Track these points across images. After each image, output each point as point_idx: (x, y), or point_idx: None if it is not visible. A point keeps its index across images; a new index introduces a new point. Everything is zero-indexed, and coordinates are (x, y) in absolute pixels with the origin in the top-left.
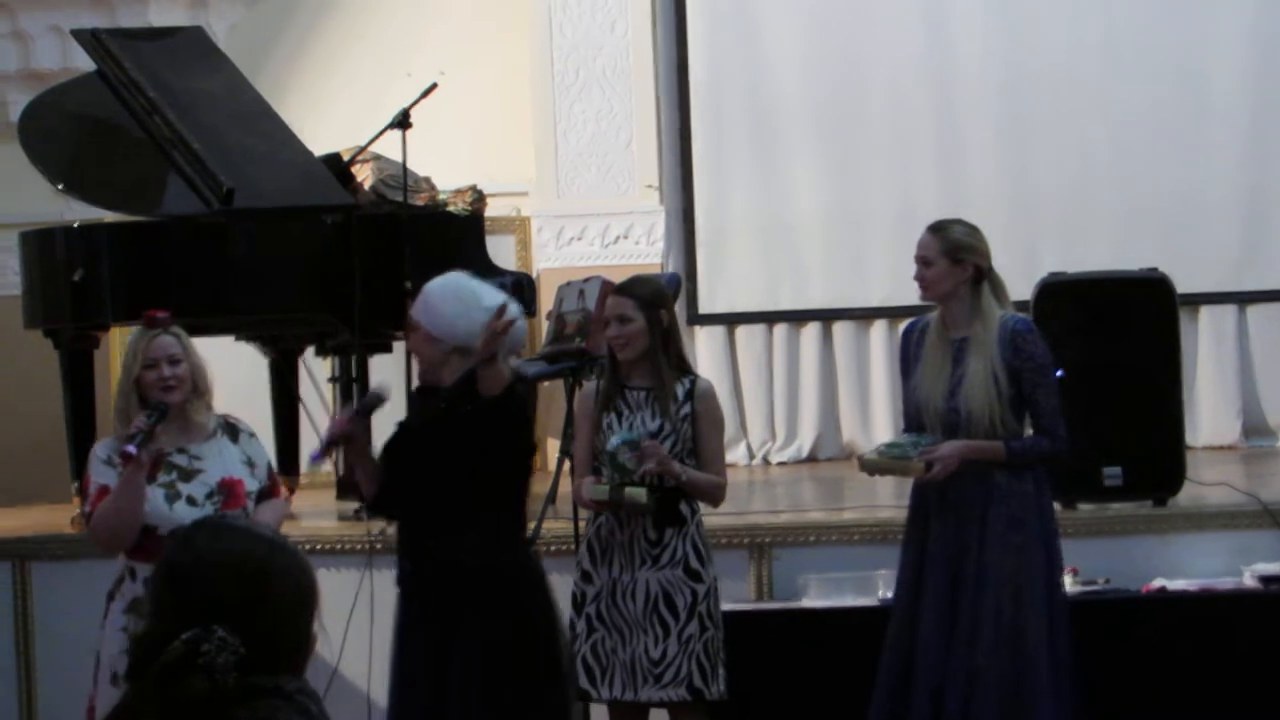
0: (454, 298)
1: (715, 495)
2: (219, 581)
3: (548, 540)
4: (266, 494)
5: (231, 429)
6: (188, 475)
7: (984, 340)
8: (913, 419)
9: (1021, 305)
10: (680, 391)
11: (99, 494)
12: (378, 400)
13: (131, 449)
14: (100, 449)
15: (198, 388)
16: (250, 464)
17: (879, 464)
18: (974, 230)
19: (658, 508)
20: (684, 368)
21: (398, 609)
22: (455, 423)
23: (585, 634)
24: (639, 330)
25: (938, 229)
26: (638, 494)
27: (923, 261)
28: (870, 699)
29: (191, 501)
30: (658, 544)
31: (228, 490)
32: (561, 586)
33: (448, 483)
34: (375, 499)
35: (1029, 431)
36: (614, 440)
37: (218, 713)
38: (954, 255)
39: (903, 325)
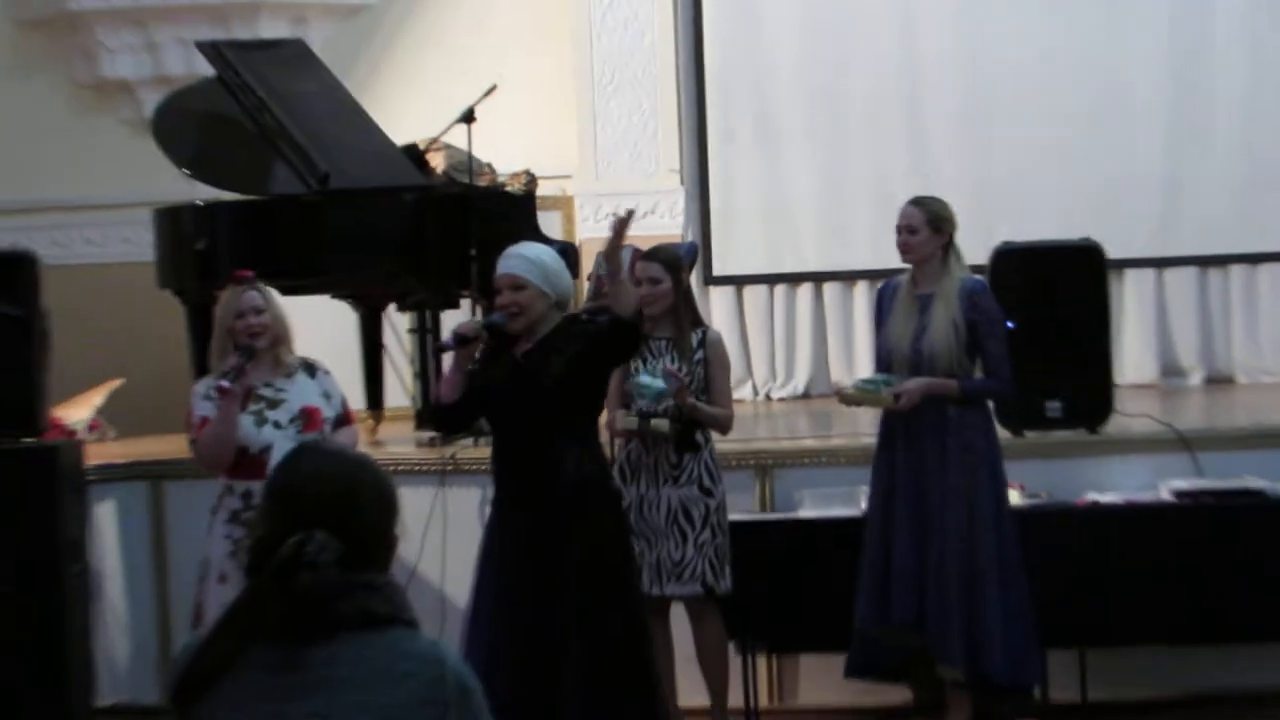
0: (555, 261)
1: (724, 425)
2: (317, 495)
3: None
4: (341, 421)
5: (310, 368)
6: (273, 404)
7: (948, 296)
8: (883, 361)
9: (978, 269)
10: (695, 340)
11: (200, 424)
12: (500, 324)
13: (225, 383)
14: (200, 386)
15: (279, 333)
16: (327, 396)
17: (855, 396)
18: (946, 204)
19: (677, 436)
20: (697, 321)
21: (495, 520)
22: (586, 342)
23: None
24: (666, 290)
25: (920, 202)
26: (661, 424)
27: (909, 230)
28: (857, 593)
29: (276, 425)
30: (678, 466)
31: (307, 416)
32: None
33: (560, 400)
34: (453, 405)
35: (979, 374)
36: (643, 377)
37: (322, 602)
38: (935, 224)
39: (879, 284)
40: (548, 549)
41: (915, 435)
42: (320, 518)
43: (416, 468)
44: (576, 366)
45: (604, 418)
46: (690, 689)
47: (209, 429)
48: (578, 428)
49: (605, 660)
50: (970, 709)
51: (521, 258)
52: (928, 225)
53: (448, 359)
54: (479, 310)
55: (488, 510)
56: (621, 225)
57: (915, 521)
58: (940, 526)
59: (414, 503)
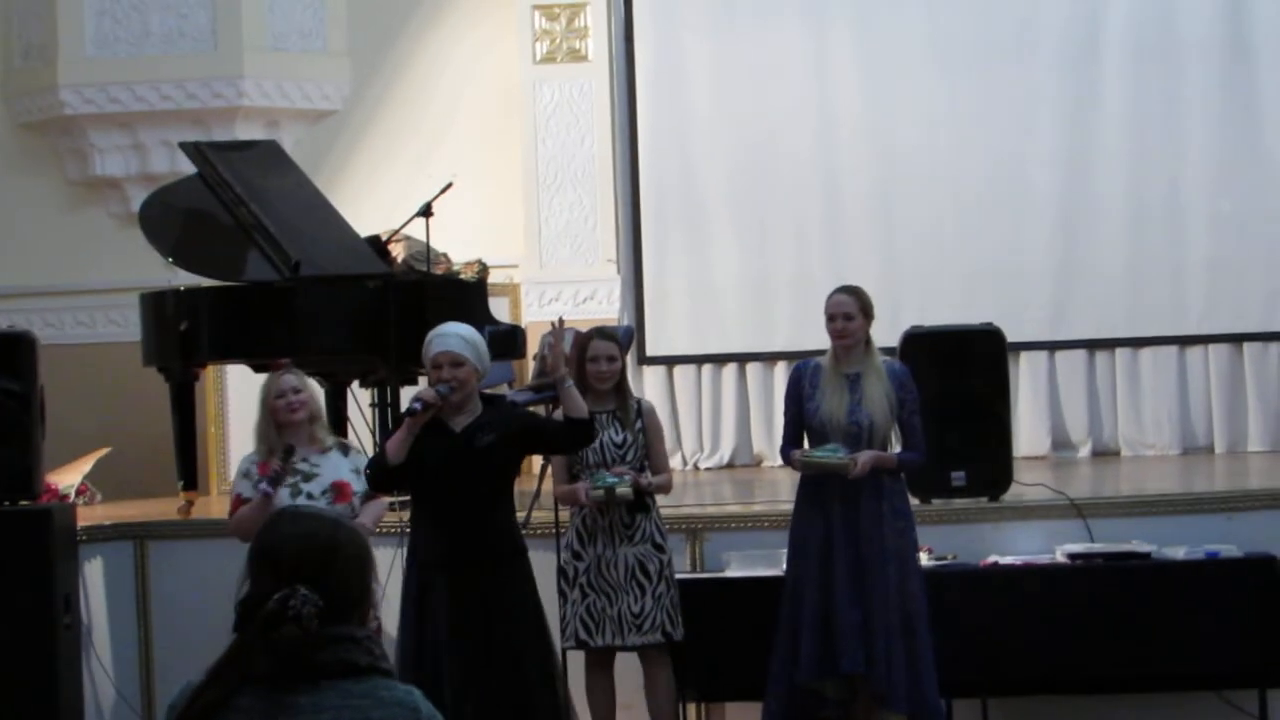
0: (481, 341)
1: (667, 488)
2: (298, 553)
3: (534, 527)
4: (369, 496)
5: (345, 448)
6: (308, 477)
7: (879, 373)
8: (816, 434)
9: (888, 350)
10: (632, 410)
11: (235, 501)
12: (446, 395)
13: (267, 488)
14: (242, 464)
15: (314, 411)
16: (357, 472)
17: (814, 464)
18: (867, 292)
19: (635, 500)
20: (630, 393)
21: (419, 578)
22: (524, 428)
23: (580, 599)
24: (620, 368)
25: (853, 291)
26: (626, 492)
27: (845, 316)
28: (775, 648)
29: (309, 497)
30: (630, 526)
31: (337, 490)
32: (539, 561)
33: (494, 475)
34: (399, 467)
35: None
36: (606, 478)
37: (305, 652)
38: (866, 311)
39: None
40: (477, 603)
41: (851, 499)
42: (301, 574)
43: (380, 529)
44: (512, 444)
45: (554, 489)
46: None
47: (247, 512)
48: (505, 494)
49: (526, 701)
50: None
51: (457, 337)
52: (861, 312)
53: (404, 428)
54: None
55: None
56: (557, 348)
57: (855, 578)
58: (880, 582)
59: (378, 561)
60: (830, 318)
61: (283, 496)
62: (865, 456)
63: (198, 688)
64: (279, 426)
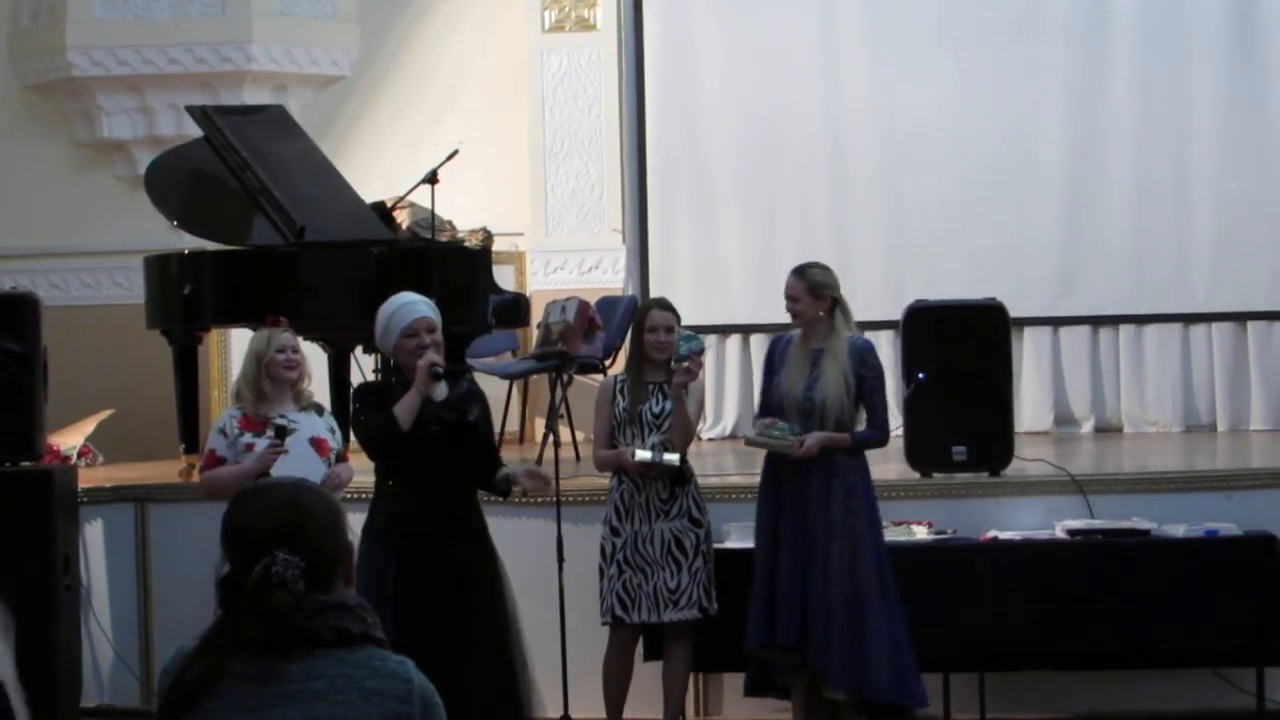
0: None
1: (690, 432)
2: (271, 525)
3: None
4: (340, 457)
5: (319, 407)
6: (289, 431)
7: (838, 352)
8: (773, 408)
9: (892, 324)
10: None
11: (209, 456)
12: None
13: (267, 459)
14: (219, 419)
15: (304, 372)
16: (332, 431)
17: (761, 442)
18: (828, 270)
19: (679, 470)
20: None
21: (399, 543)
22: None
23: (617, 574)
24: (676, 339)
25: (800, 272)
26: (672, 459)
27: (792, 299)
28: (748, 619)
29: (286, 451)
30: (668, 501)
31: (316, 445)
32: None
33: (488, 447)
34: (404, 433)
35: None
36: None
37: (298, 623)
38: (815, 292)
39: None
40: (453, 568)
41: (802, 475)
42: (278, 542)
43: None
44: (481, 423)
45: (595, 455)
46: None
47: (223, 474)
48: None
49: (509, 669)
50: None
51: (424, 303)
52: (807, 293)
53: (413, 393)
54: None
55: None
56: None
57: (798, 552)
58: (824, 557)
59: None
60: (785, 297)
61: (260, 447)
62: (813, 438)
63: (188, 657)
64: (270, 381)
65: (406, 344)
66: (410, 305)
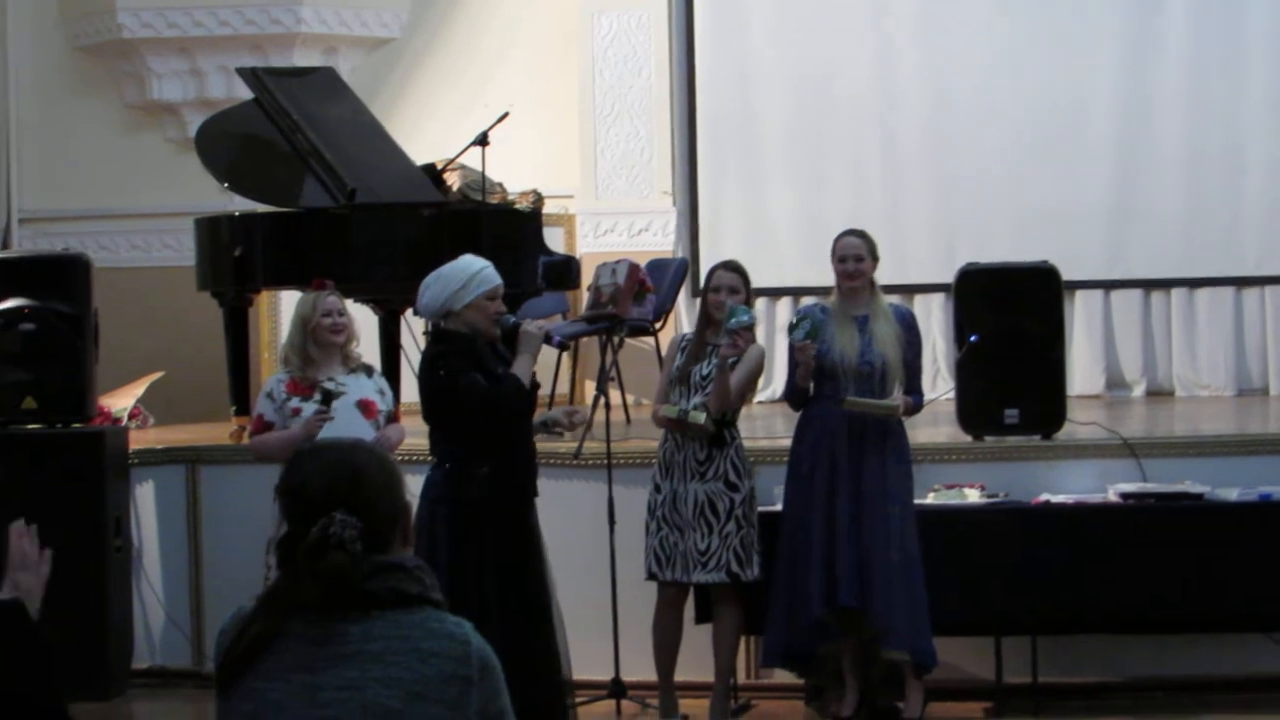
0: None
1: (725, 402)
2: (327, 485)
3: (586, 457)
4: (391, 418)
5: (368, 369)
6: (336, 395)
7: (886, 315)
8: (828, 375)
9: (942, 287)
10: None
11: (257, 420)
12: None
13: (313, 426)
14: (267, 384)
15: (352, 335)
16: (381, 393)
17: (865, 404)
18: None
19: (713, 430)
20: None
21: (500, 509)
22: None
23: (655, 531)
24: (741, 300)
25: (861, 234)
26: (698, 415)
27: (856, 259)
28: (774, 584)
29: (334, 413)
30: (705, 462)
31: (364, 408)
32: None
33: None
34: (526, 396)
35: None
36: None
37: (356, 584)
38: (873, 253)
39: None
40: (524, 538)
41: (857, 439)
42: (334, 503)
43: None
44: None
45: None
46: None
47: (273, 439)
48: None
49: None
50: (922, 692)
51: (495, 270)
52: (870, 254)
53: (528, 358)
54: None
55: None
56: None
57: (855, 516)
58: (883, 520)
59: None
60: (840, 259)
61: (308, 410)
62: (900, 401)
63: (246, 618)
64: (317, 346)
65: (488, 306)
66: (492, 270)
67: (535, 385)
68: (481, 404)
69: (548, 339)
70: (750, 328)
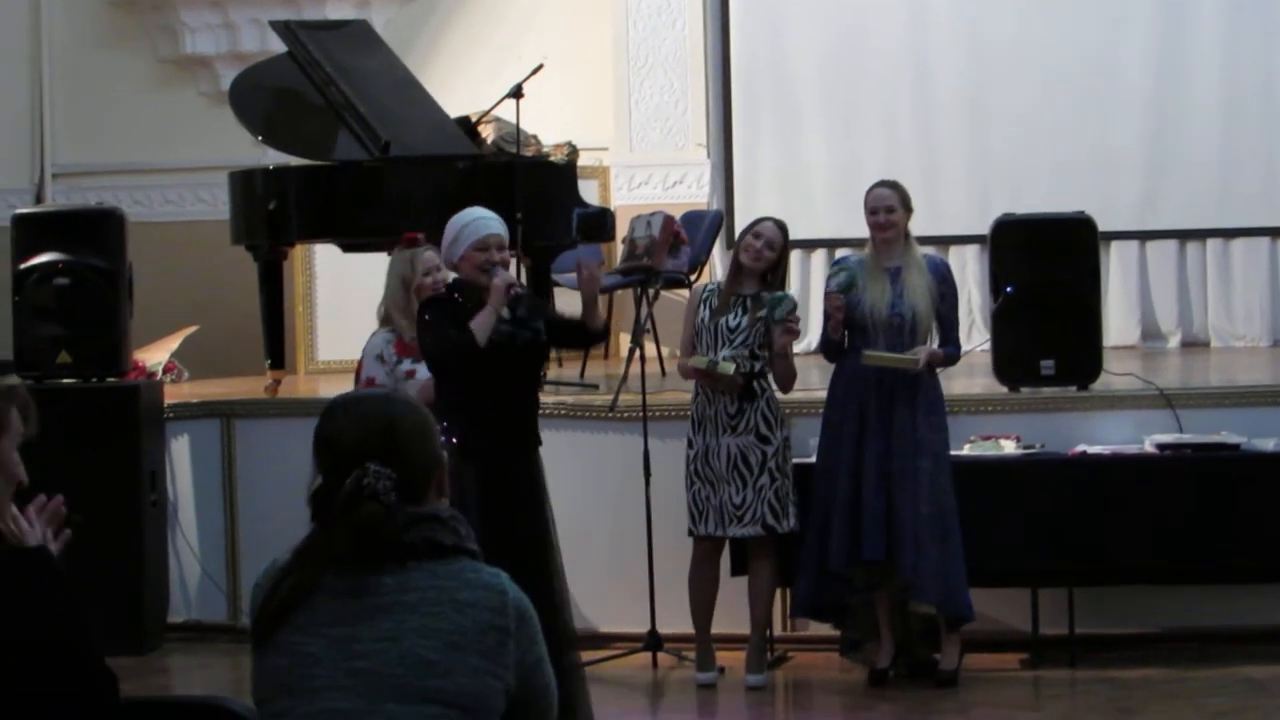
0: None
1: (789, 382)
2: (361, 436)
3: (621, 410)
4: None
5: None
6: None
7: (919, 266)
8: (859, 328)
9: (977, 238)
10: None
11: (367, 384)
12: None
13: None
14: (372, 344)
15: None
16: None
17: (883, 359)
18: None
19: (740, 387)
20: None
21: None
22: (547, 321)
23: (690, 485)
24: (774, 257)
25: (894, 185)
26: (726, 366)
27: (887, 210)
28: (806, 537)
29: (415, 375)
30: (735, 416)
31: None
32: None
33: (541, 361)
34: (481, 349)
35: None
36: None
37: (390, 535)
38: (906, 204)
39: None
40: (509, 489)
41: (887, 391)
42: (368, 454)
43: None
44: (549, 332)
45: (678, 363)
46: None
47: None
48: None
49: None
50: (960, 646)
51: (498, 220)
52: (902, 205)
53: (490, 310)
54: (521, 269)
55: None
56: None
57: (883, 468)
58: (912, 473)
59: None
60: (872, 211)
61: (421, 374)
62: (925, 354)
63: (281, 569)
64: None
65: (476, 256)
66: (484, 220)
67: (537, 341)
68: (432, 352)
69: (512, 292)
70: (795, 308)
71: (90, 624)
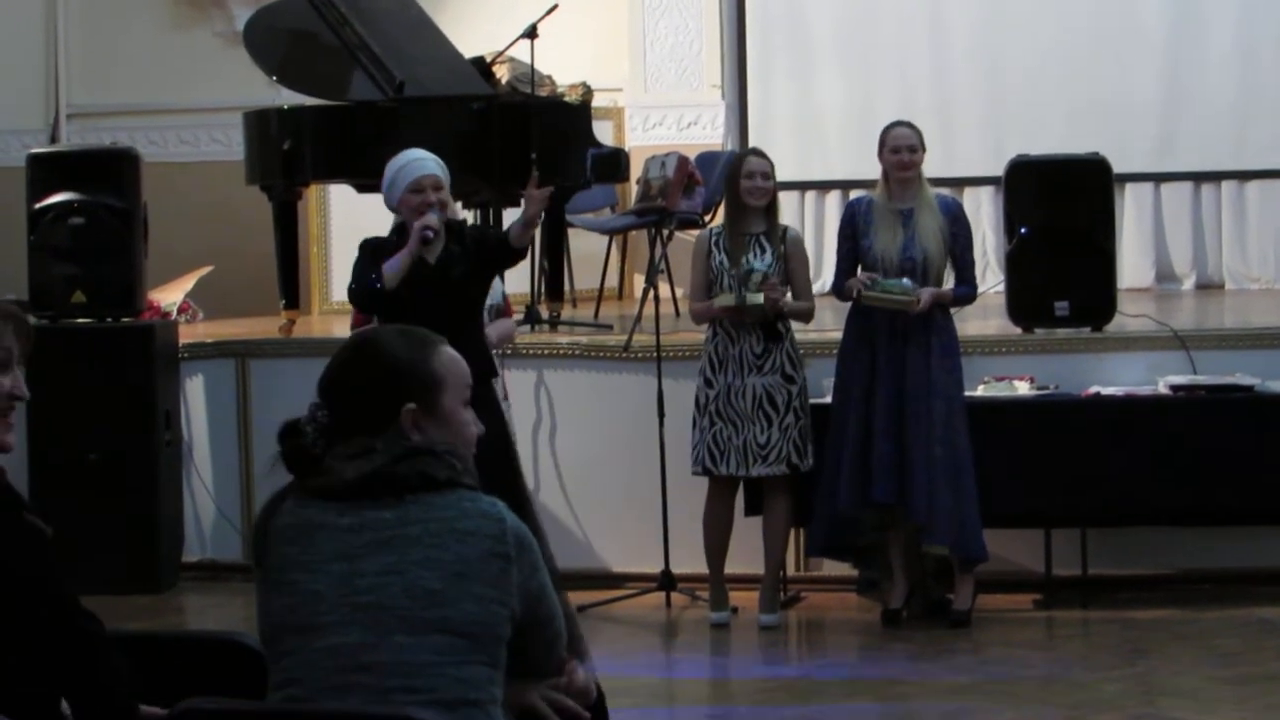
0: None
1: (807, 316)
2: (324, 380)
3: (635, 351)
4: (500, 312)
5: None
6: None
7: (931, 208)
8: (870, 270)
9: (992, 180)
10: (778, 235)
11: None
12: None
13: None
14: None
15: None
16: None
17: (881, 299)
18: None
19: (764, 327)
20: (778, 218)
21: None
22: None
23: (708, 426)
24: (773, 187)
25: (912, 125)
26: (756, 298)
27: (910, 149)
28: (821, 478)
29: None
30: (761, 355)
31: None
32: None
33: (468, 304)
34: (383, 293)
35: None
36: (756, 265)
37: (312, 459)
38: (923, 144)
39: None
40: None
41: (899, 335)
42: (323, 396)
43: None
44: (481, 270)
45: (690, 307)
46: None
47: None
48: (474, 320)
49: None
50: (973, 587)
51: (433, 160)
52: (920, 145)
53: (404, 253)
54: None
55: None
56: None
57: (894, 412)
58: (926, 416)
59: None
60: (895, 150)
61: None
62: (927, 294)
63: (272, 499)
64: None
65: (410, 199)
66: (419, 161)
67: (449, 284)
68: (349, 296)
69: (424, 235)
70: (770, 267)
71: (53, 561)
